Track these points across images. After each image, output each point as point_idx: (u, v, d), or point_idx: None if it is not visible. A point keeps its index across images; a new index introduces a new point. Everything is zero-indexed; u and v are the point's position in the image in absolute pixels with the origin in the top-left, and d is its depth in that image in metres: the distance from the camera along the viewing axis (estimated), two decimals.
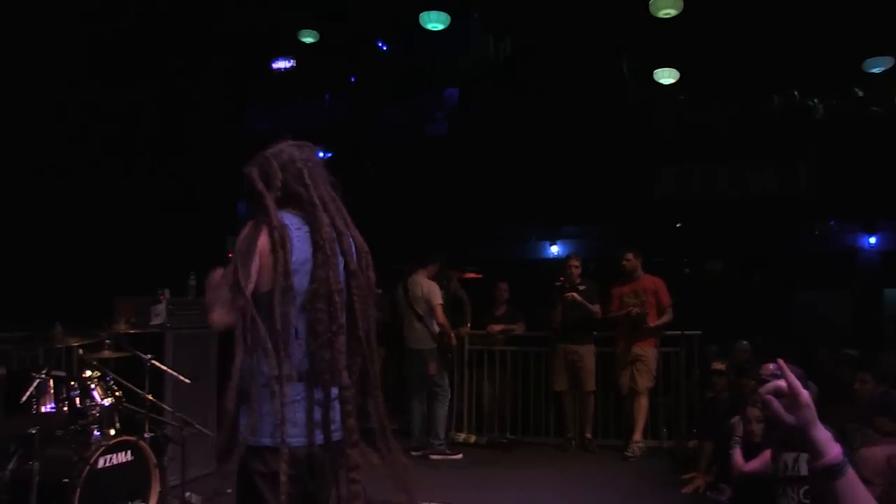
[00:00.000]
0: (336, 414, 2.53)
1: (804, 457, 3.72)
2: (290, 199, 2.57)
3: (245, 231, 2.52)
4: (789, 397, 1.60)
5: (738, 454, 4.72)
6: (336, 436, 2.53)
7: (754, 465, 4.50)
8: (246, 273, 2.42)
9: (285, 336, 2.43)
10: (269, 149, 2.70)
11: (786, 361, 1.71)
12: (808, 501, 3.82)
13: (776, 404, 1.61)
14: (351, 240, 2.65)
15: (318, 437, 2.50)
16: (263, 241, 2.46)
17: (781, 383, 1.63)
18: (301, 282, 2.48)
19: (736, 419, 4.93)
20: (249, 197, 2.58)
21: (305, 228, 2.54)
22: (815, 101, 12.16)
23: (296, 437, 2.45)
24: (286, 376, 2.41)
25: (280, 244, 2.44)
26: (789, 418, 1.60)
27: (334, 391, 2.52)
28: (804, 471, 3.79)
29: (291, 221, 2.53)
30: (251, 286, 2.42)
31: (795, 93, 12.12)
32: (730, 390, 6.49)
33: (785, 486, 3.95)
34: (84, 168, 7.88)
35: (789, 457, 3.92)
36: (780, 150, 12.00)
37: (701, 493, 5.95)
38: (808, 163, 11.86)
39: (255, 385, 2.43)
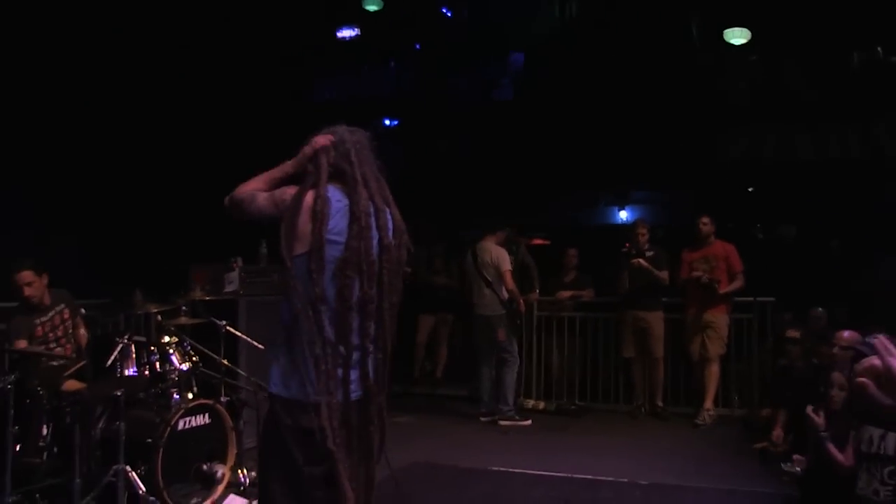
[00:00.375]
0: (356, 374, 2.66)
1: (892, 436, 3.65)
2: (336, 175, 2.73)
3: (293, 191, 2.71)
4: (886, 377, 1.50)
5: (832, 449, 4.46)
6: (354, 395, 2.65)
7: (851, 459, 4.32)
8: (291, 228, 2.62)
9: (315, 298, 2.58)
10: (324, 129, 2.86)
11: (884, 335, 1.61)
12: (892, 482, 3.72)
13: (872, 388, 1.51)
14: (389, 216, 2.77)
15: (339, 396, 2.59)
16: (308, 202, 2.63)
17: (876, 362, 1.54)
18: (335, 250, 2.61)
19: (816, 410, 4.71)
20: (304, 166, 2.78)
21: (346, 201, 2.68)
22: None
23: (319, 393, 2.55)
24: (315, 337, 2.56)
25: (320, 211, 2.61)
26: (886, 401, 1.50)
27: (356, 355, 2.64)
28: (891, 450, 3.69)
29: (334, 194, 2.68)
30: (295, 242, 2.61)
31: (879, 49, 11.61)
32: (805, 359, 6.34)
33: (867, 462, 3.85)
34: (161, 142, 8.08)
35: (875, 432, 3.81)
36: (860, 111, 11.55)
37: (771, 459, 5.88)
38: (891, 124, 11.39)
39: (288, 341, 2.63)
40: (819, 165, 11.52)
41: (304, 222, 2.61)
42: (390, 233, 2.76)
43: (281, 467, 2.62)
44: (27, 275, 5.12)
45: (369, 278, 2.66)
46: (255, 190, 2.84)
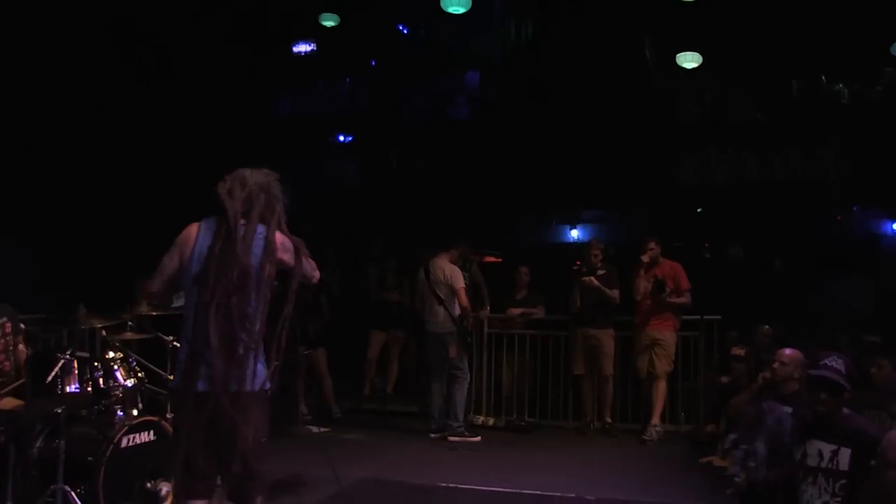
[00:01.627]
0: (205, 369, 3.21)
1: (846, 451, 3.74)
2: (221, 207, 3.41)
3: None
4: None
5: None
6: (201, 387, 3.20)
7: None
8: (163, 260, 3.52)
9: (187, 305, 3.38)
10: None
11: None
12: (842, 495, 3.80)
13: None
14: (262, 240, 3.38)
15: (200, 386, 3.21)
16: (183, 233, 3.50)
17: None
18: (197, 265, 3.34)
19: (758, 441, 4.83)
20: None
21: (214, 228, 3.38)
22: (841, 85, 12.00)
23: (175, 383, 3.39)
24: (184, 337, 3.34)
25: (184, 238, 3.47)
26: None
27: (208, 352, 3.19)
28: (845, 465, 3.77)
29: (208, 223, 3.43)
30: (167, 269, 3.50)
31: (823, 77, 11.96)
32: (749, 377, 6.47)
33: (815, 476, 3.92)
34: (107, 152, 7.96)
35: (826, 448, 3.89)
36: (805, 135, 11.87)
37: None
38: (834, 148, 11.72)
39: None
40: (763, 187, 11.80)
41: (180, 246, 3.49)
42: (252, 253, 3.34)
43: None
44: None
45: (225, 289, 3.25)
46: None
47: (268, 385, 3.41)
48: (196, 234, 3.42)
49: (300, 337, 8.20)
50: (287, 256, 3.50)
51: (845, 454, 3.81)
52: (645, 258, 7.68)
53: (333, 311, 8.57)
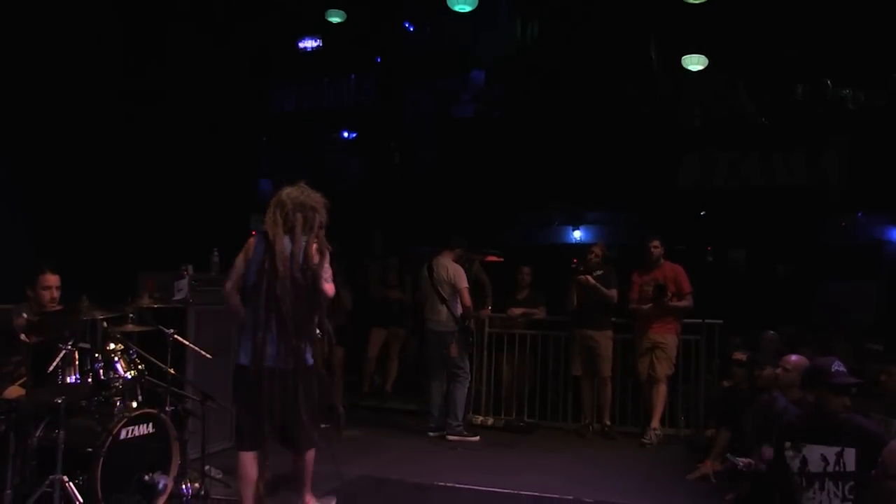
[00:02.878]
0: (269, 351, 4.34)
1: (851, 451, 3.73)
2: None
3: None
4: None
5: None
6: (269, 362, 4.34)
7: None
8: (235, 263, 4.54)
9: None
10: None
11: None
12: (851, 497, 3.78)
13: None
14: (301, 254, 4.37)
15: (269, 362, 4.34)
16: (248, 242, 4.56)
17: None
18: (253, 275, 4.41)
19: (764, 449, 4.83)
20: None
21: (263, 244, 4.42)
22: (847, 90, 11.97)
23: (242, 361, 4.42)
24: (248, 326, 4.41)
25: (247, 247, 4.51)
26: None
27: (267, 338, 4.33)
28: (851, 466, 3.76)
29: (260, 237, 4.41)
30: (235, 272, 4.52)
31: (828, 82, 11.94)
32: (749, 382, 6.46)
33: (822, 482, 3.90)
34: (111, 145, 7.94)
35: (829, 451, 3.88)
36: (810, 139, 11.85)
37: (712, 479, 5.99)
38: (838, 153, 11.71)
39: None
40: (767, 191, 11.78)
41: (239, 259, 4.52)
42: (291, 264, 4.34)
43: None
44: (54, 278, 5.12)
45: (275, 296, 4.30)
46: None
47: (311, 363, 4.43)
48: (253, 246, 4.46)
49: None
50: (321, 269, 4.42)
51: (850, 455, 3.80)
52: (592, 257, 7.72)
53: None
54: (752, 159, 12.07)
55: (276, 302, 4.26)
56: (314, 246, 4.39)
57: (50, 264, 5.23)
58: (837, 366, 4.03)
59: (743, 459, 4.83)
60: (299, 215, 4.40)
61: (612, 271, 7.89)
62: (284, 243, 4.34)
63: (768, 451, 4.46)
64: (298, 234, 4.38)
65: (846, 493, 3.80)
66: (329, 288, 4.48)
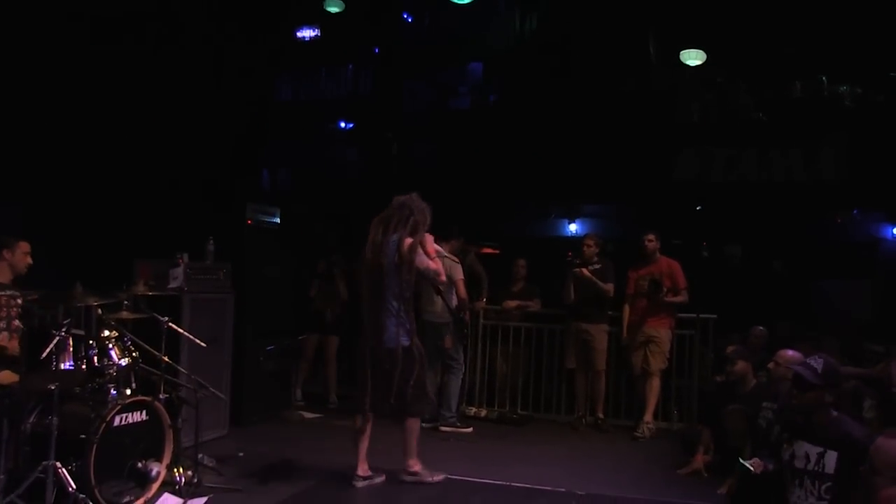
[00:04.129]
0: (371, 332, 5.40)
1: (832, 454, 3.75)
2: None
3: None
4: None
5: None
6: (371, 343, 5.36)
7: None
8: None
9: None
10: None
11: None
12: (827, 497, 3.81)
13: None
14: (394, 244, 5.28)
15: (371, 343, 5.39)
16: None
17: None
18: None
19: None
20: None
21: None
22: (845, 87, 11.97)
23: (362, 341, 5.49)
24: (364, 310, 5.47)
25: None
26: None
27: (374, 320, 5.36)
28: (831, 469, 3.78)
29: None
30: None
31: (823, 78, 11.93)
32: (724, 376, 6.49)
33: (801, 478, 3.93)
34: (110, 130, 7.94)
35: (813, 450, 3.89)
36: (806, 136, 11.85)
37: (702, 474, 6.03)
38: (835, 150, 11.70)
39: None
40: (764, 187, 11.78)
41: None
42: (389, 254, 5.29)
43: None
44: (27, 245, 5.10)
45: (372, 280, 5.32)
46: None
47: (405, 343, 5.28)
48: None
49: (317, 322, 8.28)
50: (413, 254, 5.23)
51: (832, 457, 3.81)
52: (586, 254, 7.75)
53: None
54: (750, 155, 12.06)
55: (372, 285, 5.30)
56: (407, 240, 5.24)
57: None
58: (811, 360, 4.08)
59: (756, 462, 4.80)
60: (396, 214, 5.34)
61: (610, 265, 7.88)
62: (377, 235, 5.32)
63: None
64: (391, 228, 5.30)
65: (822, 492, 3.83)
66: (429, 272, 5.43)
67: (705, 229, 12.58)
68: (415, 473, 5.59)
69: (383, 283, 5.26)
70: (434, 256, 5.52)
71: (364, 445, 5.51)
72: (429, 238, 5.50)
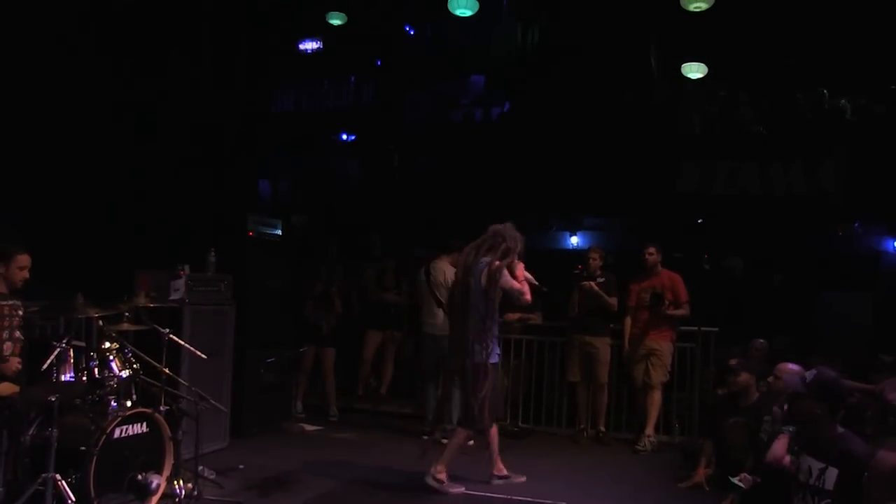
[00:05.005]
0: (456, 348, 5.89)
1: (833, 471, 3.74)
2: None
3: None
4: None
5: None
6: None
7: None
8: None
9: None
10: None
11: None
12: None
13: None
14: (484, 266, 5.76)
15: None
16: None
17: None
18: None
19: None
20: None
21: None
22: (845, 100, 12.00)
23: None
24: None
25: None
26: None
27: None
28: (830, 485, 3.76)
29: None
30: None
31: (825, 91, 11.96)
32: (726, 388, 6.47)
33: (804, 493, 3.92)
34: (112, 142, 7.94)
35: (815, 465, 3.87)
36: (808, 149, 11.85)
37: (704, 488, 6.01)
38: (836, 163, 11.71)
39: None
40: (765, 200, 11.78)
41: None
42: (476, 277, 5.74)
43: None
44: (26, 258, 4.93)
45: (460, 300, 5.84)
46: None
47: (486, 359, 5.67)
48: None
49: (312, 334, 8.26)
50: (499, 274, 5.69)
51: (832, 474, 3.79)
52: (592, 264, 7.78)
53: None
54: (751, 168, 12.07)
55: (459, 304, 5.83)
56: (496, 262, 5.70)
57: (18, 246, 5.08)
58: (809, 372, 4.14)
59: (744, 478, 4.78)
60: (489, 240, 5.83)
61: (612, 278, 7.88)
62: (469, 258, 5.84)
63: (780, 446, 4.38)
64: (482, 252, 5.79)
65: None
66: (513, 291, 5.78)
67: (706, 242, 12.57)
68: (439, 480, 5.79)
69: (469, 301, 5.70)
70: (522, 280, 5.87)
71: (492, 449, 6.08)
72: (520, 265, 5.91)
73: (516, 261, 5.89)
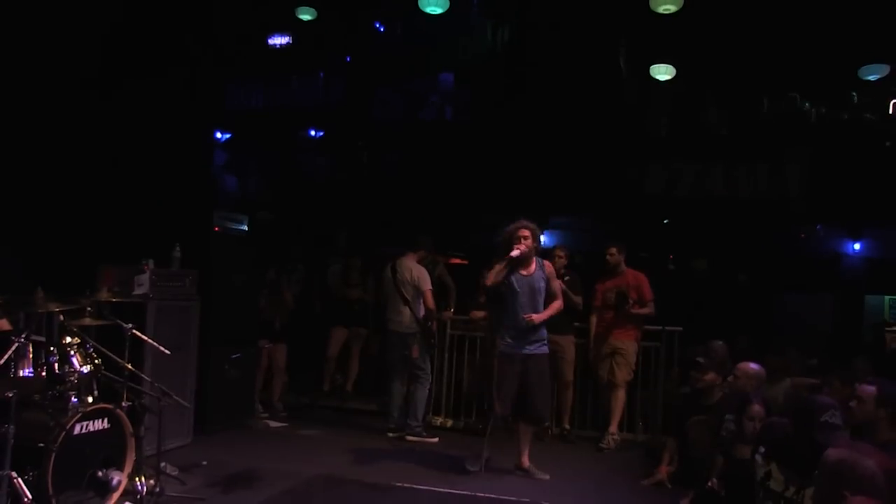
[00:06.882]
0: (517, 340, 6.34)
1: (808, 492, 3.72)
2: None
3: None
4: None
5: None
6: (516, 350, 6.32)
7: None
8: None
9: None
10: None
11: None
12: None
13: None
14: (542, 267, 6.57)
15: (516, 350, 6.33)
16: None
17: None
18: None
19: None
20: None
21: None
22: (808, 104, 12.17)
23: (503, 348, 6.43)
24: (508, 322, 6.43)
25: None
26: None
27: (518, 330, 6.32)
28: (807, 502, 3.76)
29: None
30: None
31: (796, 95, 12.12)
32: (689, 385, 6.55)
33: (778, 501, 3.89)
34: (73, 135, 7.82)
35: (793, 478, 3.85)
36: (772, 152, 12.01)
37: (666, 485, 6.09)
38: (800, 166, 11.88)
39: None
40: (730, 202, 11.91)
41: None
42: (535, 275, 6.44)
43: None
44: None
45: (526, 296, 6.36)
46: None
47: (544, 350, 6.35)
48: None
49: (265, 330, 8.19)
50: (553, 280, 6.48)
51: (809, 492, 3.76)
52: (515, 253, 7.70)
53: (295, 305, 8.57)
54: (717, 170, 12.19)
55: (525, 301, 6.34)
56: (548, 265, 6.66)
57: None
58: (830, 416, 3.77)
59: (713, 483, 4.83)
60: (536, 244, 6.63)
61: (577, 277, 7.94)
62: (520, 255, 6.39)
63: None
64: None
65: None
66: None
67: (672, 243, 12.69)
68: (525, 469, 6.37)
69: (536, 300, 6.30)
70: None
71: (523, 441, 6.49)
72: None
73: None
